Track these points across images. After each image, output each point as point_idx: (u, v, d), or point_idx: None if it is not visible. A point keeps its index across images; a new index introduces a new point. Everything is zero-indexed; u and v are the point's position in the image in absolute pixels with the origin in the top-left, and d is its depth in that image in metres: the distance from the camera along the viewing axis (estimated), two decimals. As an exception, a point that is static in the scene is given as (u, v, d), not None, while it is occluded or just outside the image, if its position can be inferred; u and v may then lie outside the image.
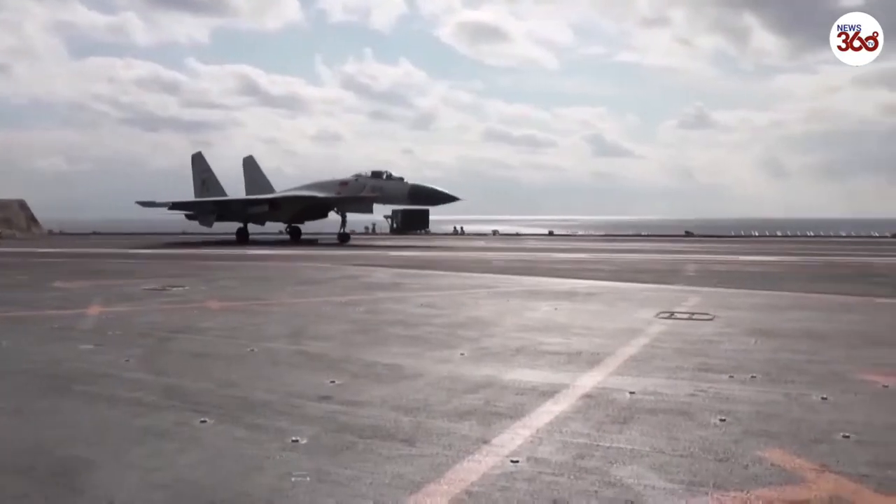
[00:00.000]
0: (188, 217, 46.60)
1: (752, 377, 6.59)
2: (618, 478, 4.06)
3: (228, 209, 44.54)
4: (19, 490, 3.87)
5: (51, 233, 52.23)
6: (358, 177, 40.40)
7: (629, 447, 4.60)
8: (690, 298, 12.88)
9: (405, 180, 39.32)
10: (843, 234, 53.44)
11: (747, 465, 4.25)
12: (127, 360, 7.36)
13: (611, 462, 4.32)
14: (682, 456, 4.43)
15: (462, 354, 7.75)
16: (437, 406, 5.62)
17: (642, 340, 8.57)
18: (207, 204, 45.66)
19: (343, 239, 41.22)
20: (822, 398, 5.81)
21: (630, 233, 58.49)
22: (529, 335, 8.96)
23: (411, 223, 57.38)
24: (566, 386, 6.26)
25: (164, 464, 4.30)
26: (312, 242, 41.23)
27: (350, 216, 41.96)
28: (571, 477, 4.07)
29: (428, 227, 58.81)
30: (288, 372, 6.93)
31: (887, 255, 27.68)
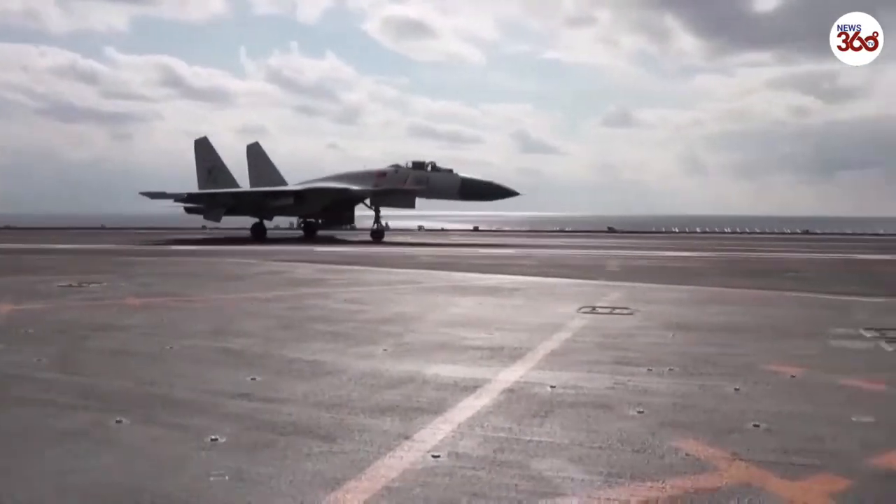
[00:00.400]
0: (188, 210, 41.70)
1: (670, 370, 6.75)
2: (537, 471, 4.09)
3: (245, 202, 39.68)
4: None
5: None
6: (397, 167, 36.78)
7: (549, 440, 4.64)
8: (612, 293, 13.13)
9: (455, 172, 35.65)
10: (758, 231, 55.51)
11: (663, 456, 4.34)
12: (39, 360, 7.04)
13: (531, 455, 4.35)
14: (600, 448, 4.49)
15: (385, 350, 7.70)
16: (359, 402, 5.55)
17: (564, 335, 8.68)
18: (222, 196, 40.12)
19: (377, 236, 36.81)
20: (735, 389, 6.00)
21: (555, 228, 59.34)
22: (453, 330, 8.96)
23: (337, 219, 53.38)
24: (488, 381, 6.28)
25: (78, 466, 4.13)
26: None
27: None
28: (491, 471, 4.07)
29: (353, 222, 55.80)
30: (208, 369, 6.74)
31: (799, 251, 28.89)
